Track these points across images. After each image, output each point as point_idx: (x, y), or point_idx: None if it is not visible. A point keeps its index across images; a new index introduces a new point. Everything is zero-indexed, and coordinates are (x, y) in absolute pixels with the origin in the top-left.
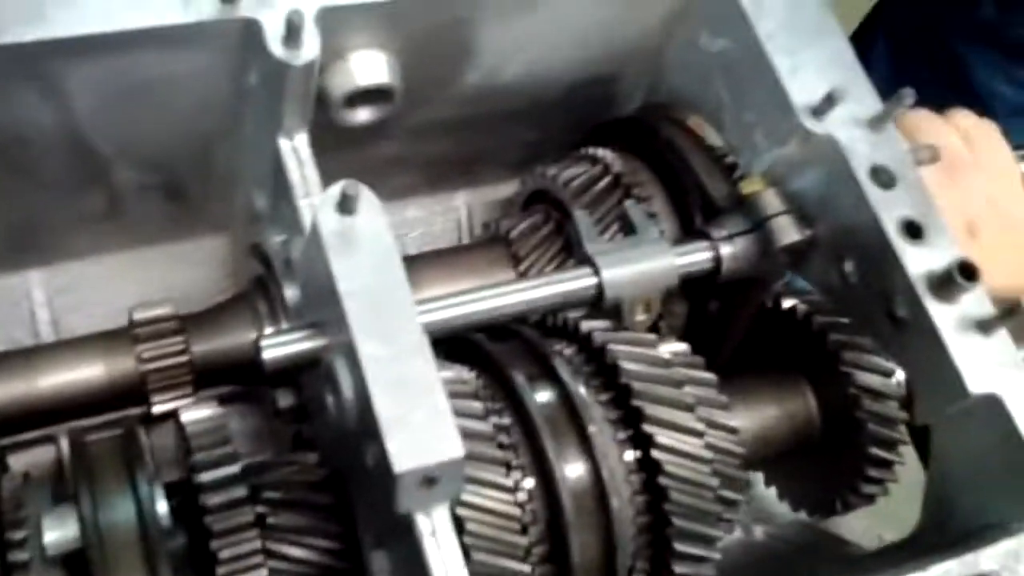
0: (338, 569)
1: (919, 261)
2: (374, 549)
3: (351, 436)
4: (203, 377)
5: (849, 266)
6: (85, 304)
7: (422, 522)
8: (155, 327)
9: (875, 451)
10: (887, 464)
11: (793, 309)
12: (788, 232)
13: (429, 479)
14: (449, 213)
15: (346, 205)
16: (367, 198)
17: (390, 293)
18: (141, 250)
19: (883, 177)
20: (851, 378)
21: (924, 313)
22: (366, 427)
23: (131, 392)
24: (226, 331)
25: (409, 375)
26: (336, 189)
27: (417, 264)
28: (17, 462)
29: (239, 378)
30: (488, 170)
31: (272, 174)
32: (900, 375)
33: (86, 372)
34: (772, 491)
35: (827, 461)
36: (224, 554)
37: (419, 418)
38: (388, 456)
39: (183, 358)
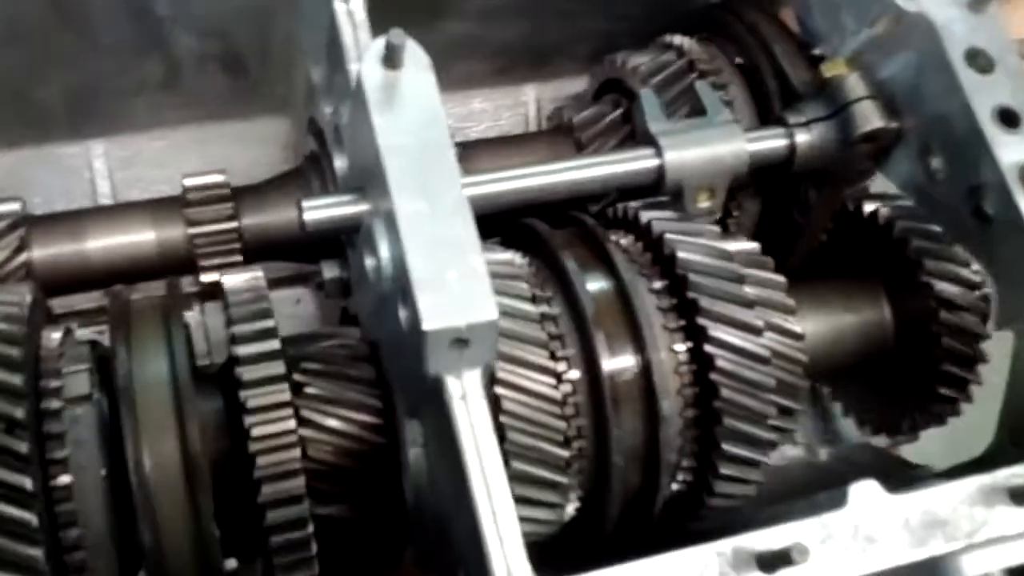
0: (373, 439)
1: (1013, 151)
2: (407, 418)
3: (388, 301)
4: (253, 250)
5: (937, 162)
6: (144, 179)
7: (452, 385)
8: (206, 195)
9: (949, 367)
10: (962, 382)
11: (875, 213)
12: (871, 118)
13: (459, 340)
14: (517, 107)
15: (391, 57)
16: (413, 51)
17: (432, 150)
18: (202, 126)
19: (980, 62)
20: (930, 288)
21: (1014, 207)
22: (401, 287)
23: (180, 259)
24: (277, 204)
25: (446, 234)
26: (381, 40)
27: (475, 148)
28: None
29: (288, 254)
30: (559, 62)
31: (328, 43)
32: (985, 289)
33: (136, 236)
34: (840, 413)
35: (898, 377)
36: (254, 423)
37: (453, 277)
38: (418, 314)
39: (232, 227)
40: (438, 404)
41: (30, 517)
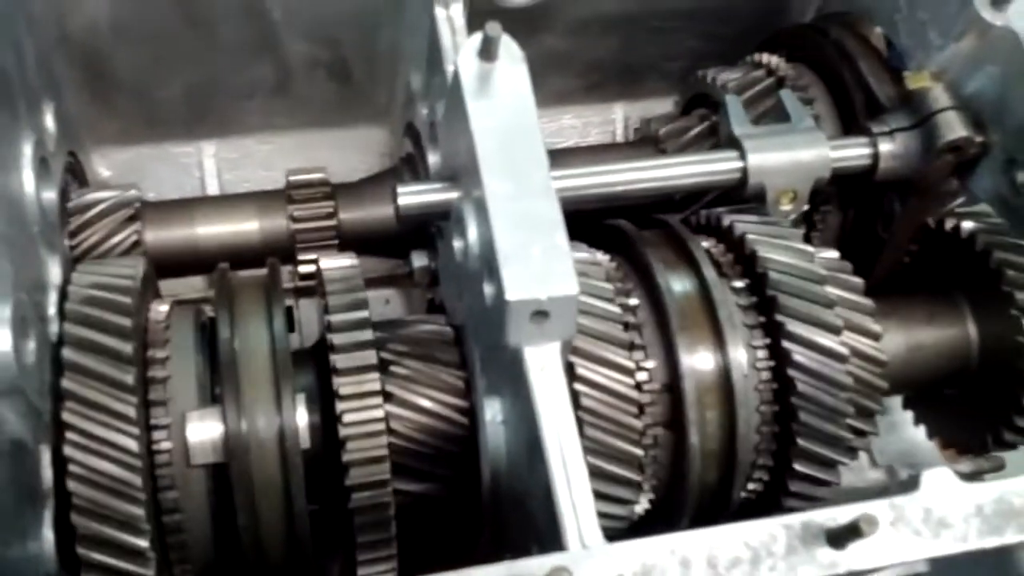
0: (455, 419)
1: None
2: (486, 396)
3: (474, 280)
4: (349, 243)
5: (1023, 175)
6: (251, 180)
7: (531, 356)
8: (308, 190)
9: None
10: None
11: (957, 228)
12: (954, 127)
13: (540, 312)
14: (605, 125)
15: (487, 50)
16: (508, 45)
17: (522, 136)
18: (307, 132)
19: None
20: (1012, 298)
21: None
22: (487, 264)
23: (281, 248)
24: (373, 200)
25: (532, 213)
26: (478, 35)
27: (564, 155)
28: None
29: (382, 247)
30: (649, 82)
31: (428, 47)
32: None
33: (241, 225)
34: (923, 437)
35: (981, 393)
36: (346, 409)
37: (536, 253)
38: (502, 285)
39: (331, 219)
40: (518, 377)
41: (132, 477)
